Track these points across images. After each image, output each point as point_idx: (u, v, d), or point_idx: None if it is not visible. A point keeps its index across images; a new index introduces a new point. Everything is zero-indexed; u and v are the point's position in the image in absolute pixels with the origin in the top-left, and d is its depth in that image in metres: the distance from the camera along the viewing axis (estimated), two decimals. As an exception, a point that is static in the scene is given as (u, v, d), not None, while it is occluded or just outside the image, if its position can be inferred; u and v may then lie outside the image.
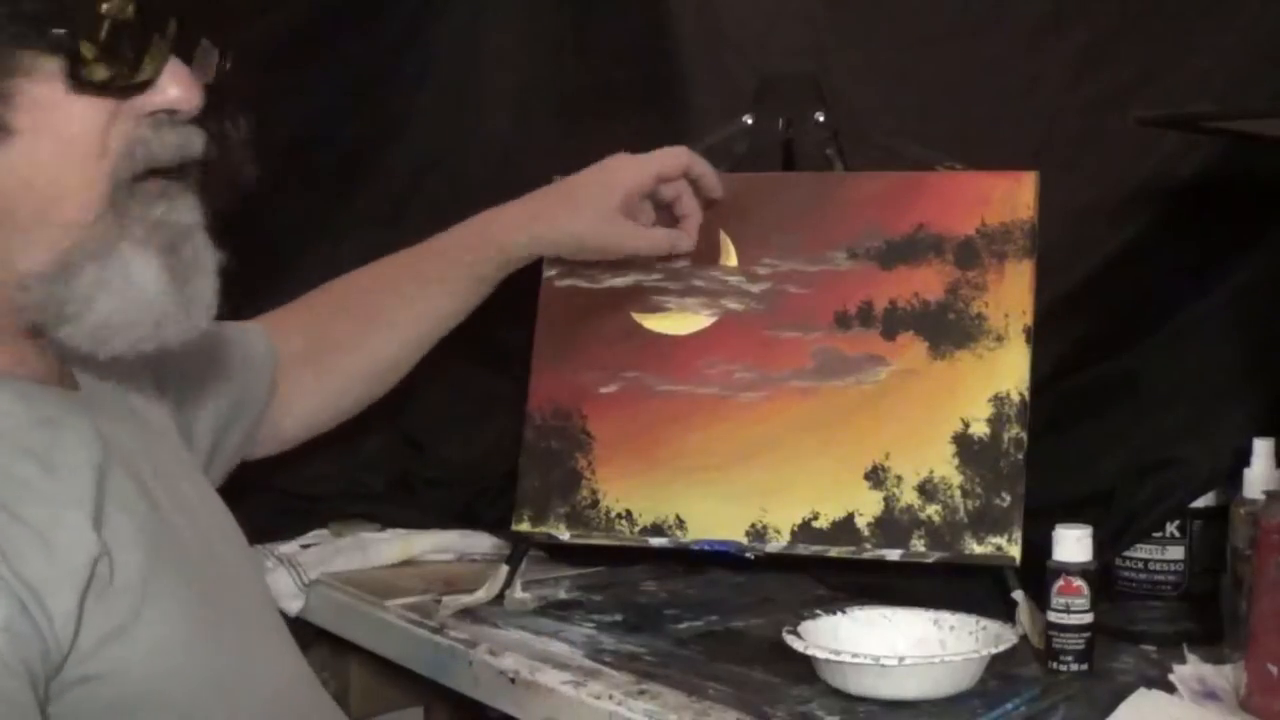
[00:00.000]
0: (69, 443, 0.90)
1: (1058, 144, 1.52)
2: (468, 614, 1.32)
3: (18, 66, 0.85)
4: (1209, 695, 1.08)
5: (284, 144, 1.53)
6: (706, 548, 1.36)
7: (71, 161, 0.87)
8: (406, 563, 1.51)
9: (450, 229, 1.44)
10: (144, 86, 0.90)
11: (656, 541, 1.36)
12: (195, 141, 0.93)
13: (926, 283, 1.36)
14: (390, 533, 1.55)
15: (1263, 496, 1.09)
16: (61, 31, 0.85)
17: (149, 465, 0.98)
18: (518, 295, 1.53)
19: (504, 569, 1.38)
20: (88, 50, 0.85)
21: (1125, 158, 1.49)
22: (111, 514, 0.89)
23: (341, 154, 1.65)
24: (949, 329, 1.34)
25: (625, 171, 1.40)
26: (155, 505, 0.95)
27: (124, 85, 0.89)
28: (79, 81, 0.86)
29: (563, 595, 1.40)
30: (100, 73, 0.87)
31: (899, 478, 1.31)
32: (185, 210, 0.93)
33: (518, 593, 1.37)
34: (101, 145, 0.88)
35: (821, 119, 1.49)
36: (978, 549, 1.27)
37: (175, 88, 0.91)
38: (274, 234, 1.51)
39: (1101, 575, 1.18)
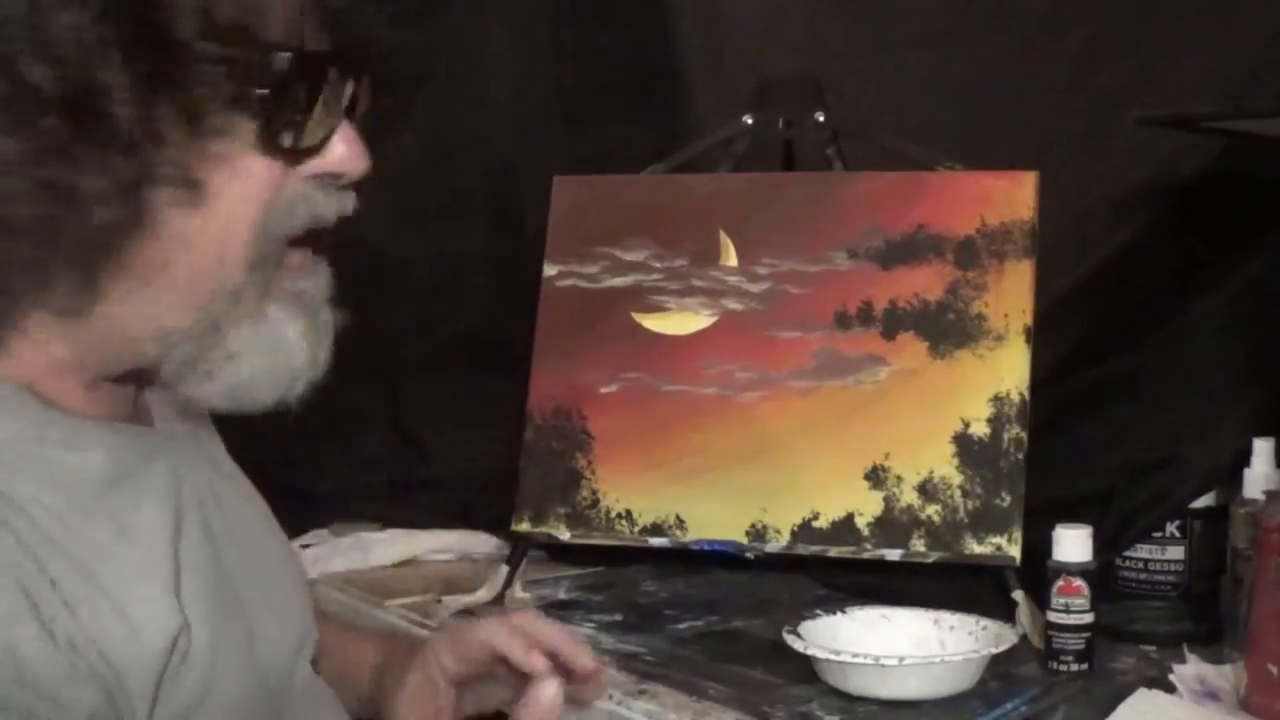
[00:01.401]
0: (146, 501, 0.86)
1: (1058, 144, 1.52)
2: (468, 614, 1.32)
3: (222, 127, 0.81)
4: (1209, 695, 1.08)
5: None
6: (706, 548, 1.36)
7: (241, 223, 0.84)
8: (406, 563, 1.51)
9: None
10: (318, 149, 0.86)
11: (656, 541, 1.36)
12: (349, 204, 0.90)
13: (926, 283, 1.36)
14: (390, 533, 1.55)
15: (1263, 496, 1.09)
16: (265, 93, 0.82)
17: (215, 502, 0.95)
18: (518, 295, 1.53)
19: (504, 569, 1.38)
20: (282, 112, 0.83)
21: (1125, 158, 1.50)
22: (186, 581, 0.86)
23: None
24: (949, 329, 1.34)
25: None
26: (219, 556, 0.92)
27: (304, 149, 0.85)
28: (269, 145, 0.83)
29: (563, 595, 1.40)
30: (287, 136, 0.84)
31: (899, 478, 1.31)
32: (324, 280, 0.90)
33: (518, 593, 1.37)
34: (270, 208, 0.85)
35: (821, 119, 1.49)
36: (978, 549, 1.27)
37: (344, 150, 0.87)
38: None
39: (1101, 575, 1.18)
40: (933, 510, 1.29)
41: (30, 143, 0.77)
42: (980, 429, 1.30)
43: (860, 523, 1.31)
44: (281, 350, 0.87)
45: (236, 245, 0.84)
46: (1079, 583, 1.14)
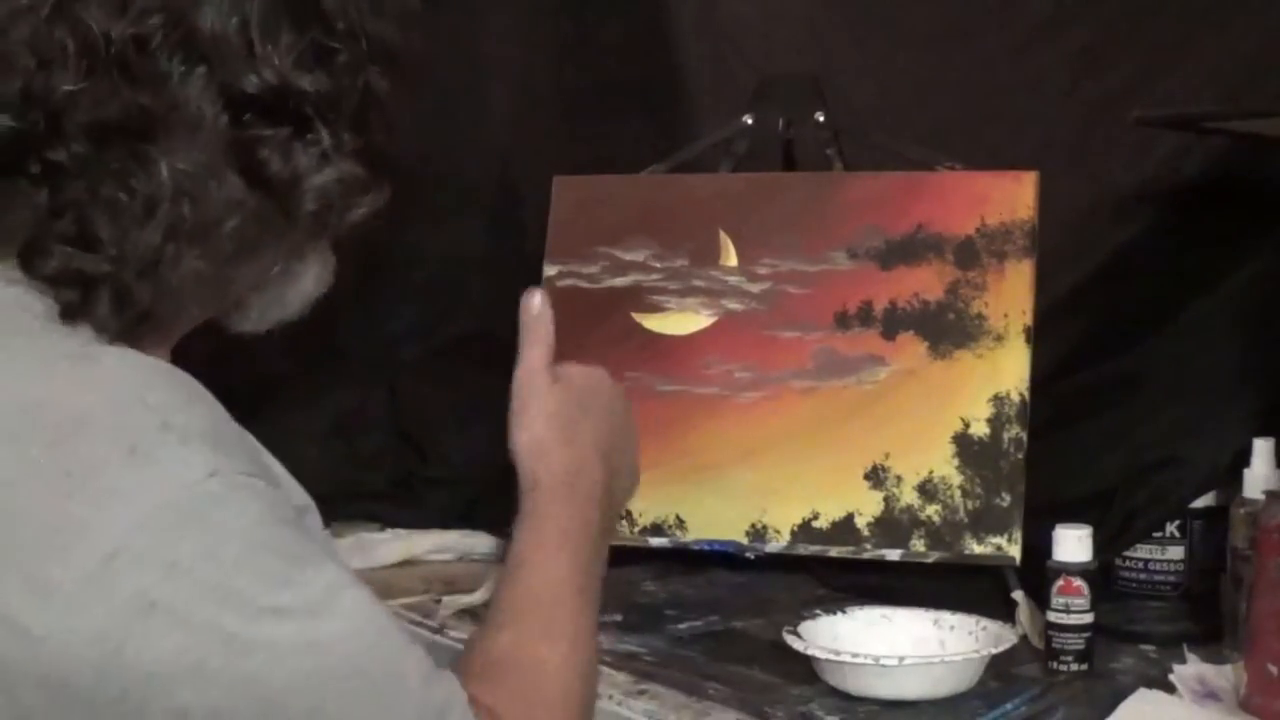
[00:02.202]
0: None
1: (1058, 144, 1.53)
2: (468, 614, 1.32)
3: None
4: (1209, 695, 1.08)
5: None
6: (706, 548, 1.36)
7: None
8: (406, 563, 1.51)
9: None
10: None
11: (656, 541, 1.36)
12: None
13: (926, 283, 1.36)
14: (390, 533, 1.55)
15: (1263, 496, 1.09)
16: None
17: None
18: (518, 295, 1.52)
19: (504, 569, 1.38)
20: None
21: (1125, 158, 1.50)
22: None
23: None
24: (949, 329, 1.34)
25: None
26: None
27: None
28: None
29: (563, 595, 1.39)
30: None
31: (899, 478, 1.31)
32: None
33: (518, 593, 1.36)
34: None
35: (821, 119, 1.49)
36: (978, 549, 1.27)
37: None
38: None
39: (1101, 575, 1.18)
40: (933, 510, 1.29)
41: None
42: (980, 429, 1.30)
43: (860, 523, 1.31)
44: (327, 267, 0.93)
45: None
46: (1079, 583, 1.14)
